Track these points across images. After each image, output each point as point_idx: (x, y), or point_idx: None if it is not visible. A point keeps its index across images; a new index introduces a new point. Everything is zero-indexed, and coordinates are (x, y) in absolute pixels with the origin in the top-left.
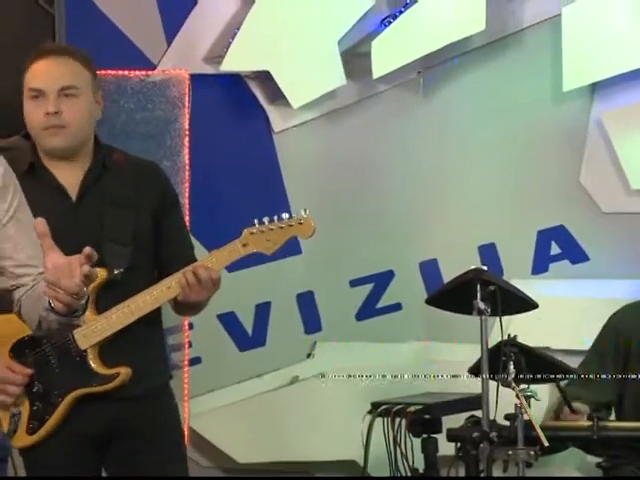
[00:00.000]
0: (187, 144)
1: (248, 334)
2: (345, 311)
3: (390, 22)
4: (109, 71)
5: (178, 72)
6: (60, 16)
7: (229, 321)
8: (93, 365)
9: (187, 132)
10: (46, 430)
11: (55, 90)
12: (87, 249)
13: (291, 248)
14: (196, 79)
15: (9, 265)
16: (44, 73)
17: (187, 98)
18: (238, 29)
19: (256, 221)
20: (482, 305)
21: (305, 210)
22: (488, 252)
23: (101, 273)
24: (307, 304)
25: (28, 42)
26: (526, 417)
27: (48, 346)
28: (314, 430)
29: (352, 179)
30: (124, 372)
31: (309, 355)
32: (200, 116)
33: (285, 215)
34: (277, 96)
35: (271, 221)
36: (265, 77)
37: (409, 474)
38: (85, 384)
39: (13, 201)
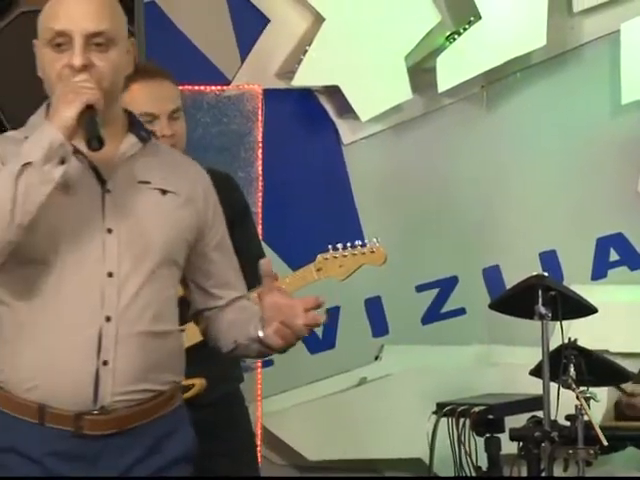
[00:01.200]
0: (260, 156)
1: (318, 337)
2: (411, 315)
3: (455, 38)
4: (186, 86)
5: (252, 87)
6: (140, 34)
7: None
8: None
9: (260, 144)
10: None
11: (166, 112)
12: (320, 298)
13: None
14: (269, 94)
15: (208, 285)
16: (154, 96)
17: (260, 112)
18: (309, 46)
19: (330, 247)
20: (543, 310)
21: (377, 239)
22: (549, 258)
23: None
24: (375, 309)
25: None
26: (586, 418)
27: None
28: (381, 429)
29: (418, 188)
30: (199, 384)
31: (376, 357)
32: (273, 129)
33: (358, 242)
34: (346, 110)
35: (344, 248)
36: (335, 91)
37: (473, 472)
38: None
39: (220, 227)
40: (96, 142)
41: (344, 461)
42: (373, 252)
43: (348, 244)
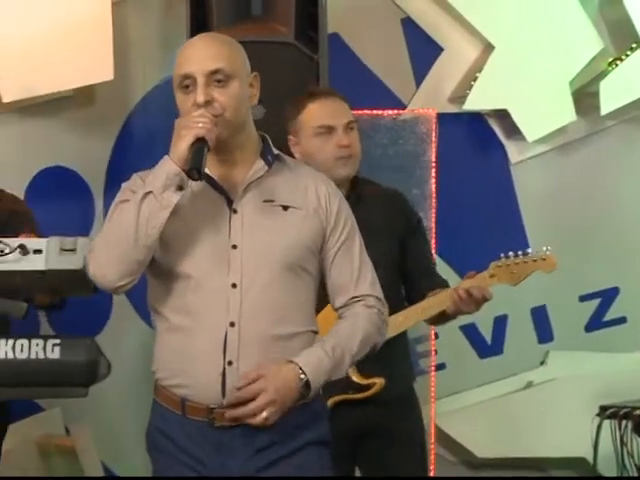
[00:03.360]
0: (434, 175)
1: (487, 343)
2: (575, 323)
3: (617, 64)
4: (365, 111)
5: (426, 111)
6: (323, 62)
7: (470, 331)
8: (351, 374)
9: (434, 164)
10: None
11: (342, 124)
12: None
13: None
14: (442, 117)
15: (329, 286)
16: (330, 111)
17: (434, 134)
18: (480, 72)
19: (502, 255)
20: None
21: (547, 248)
22: None
23: None
24: (540, 317)
25: (296, 86)
26: None
27: None
28: (546, 429)
29: (581, 205)
30: (379, 383)
31: (542, 362)
32: (445, 150)
33: (529, 251)
34: (514, 131)
35: (516, 256)
36: (503, 115)
37: (635, 472)
38: (343, 391)
39: (342, 231)
40: (195, 173)
41: (511, 459)
42: (544, 259)
43: (519, 252)
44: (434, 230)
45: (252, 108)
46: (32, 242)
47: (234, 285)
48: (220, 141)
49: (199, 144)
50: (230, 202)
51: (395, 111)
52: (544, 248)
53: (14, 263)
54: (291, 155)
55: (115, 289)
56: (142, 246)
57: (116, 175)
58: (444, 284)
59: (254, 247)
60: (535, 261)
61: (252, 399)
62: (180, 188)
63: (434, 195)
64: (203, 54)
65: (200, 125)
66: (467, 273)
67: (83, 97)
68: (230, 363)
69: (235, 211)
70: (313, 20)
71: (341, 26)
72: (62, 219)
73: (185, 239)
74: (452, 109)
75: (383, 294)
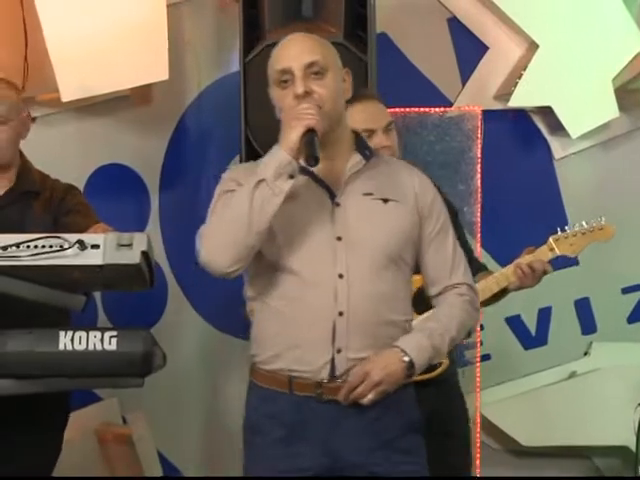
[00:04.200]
0: (479, 170)
1: (532, 334)
2: (617, 315)
3: None
4: (413, 108)
5: (472, 108)
6: (372, 61)
7: (515, 323)
8: None
9: (479, 160)
10: None
11: (382, 127)
12: None
13: (569, 260)
14: (487, 114)
15: (425, 275)
16: (370, 115)
17: (479, 131)
18: (524, 70)
19: (559, 229)
20: None
21: (601, 218)
22: None
23: None
24: (584, 309)
25: None
26: None
27: None
28: (590, 418)
29: (624, 199)
30: (445, 363)
31: (585, 353)
32: (491, 146)
33: (584, 223)
34: (557, 128)
35: (573, 228)
36: (547, 111)
37: None
38: None
39: (437, 220)
40: (312, 160)
41: (554, 447)
42: (601, 229)
43: (576, 224)
44: (479, 225)
45: None
46: (90, 237)
47: (341, 276)
48: (321, 134)
49: (310, 134)
50: (332, 195)
51: (442, 109)
52: (599, 218)
53: (73, 258)
54: None
55: (226, 274)
56: (255, 232)
57: (171, 172)
58: (485, 269)
59: (358, 239)
60: (592, 231)
61: (358, 383)
62: (291, 176)
63: (479, 190)
64: (299, 48)
65: (309, 116)
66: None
67: (139, 97)
68: (339, 351)
69: (338, 204)
70: (362, 20)
71: (389, 26)
72: (119, 215)
73: (290, 231)
74: (497, 106)
75: None
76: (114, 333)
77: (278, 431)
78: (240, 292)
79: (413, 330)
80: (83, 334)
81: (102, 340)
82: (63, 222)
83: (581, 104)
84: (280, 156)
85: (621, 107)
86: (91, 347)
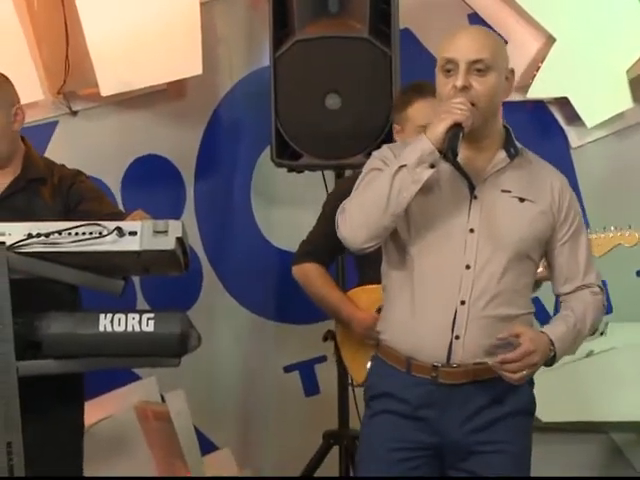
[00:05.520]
0: None
1: (550, 315)
2: (632, 297)
3: None
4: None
5: None
6: (395, 56)
7: (535, 305)
8: None
9: None
10: None
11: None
12: None
13: None
14: (506, 105)
15: (554, 275)
16: (432, 109)
17: None
18: (542, 63)
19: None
20: None
21: (630, 226)
22: None
23: None
24: None
25: (370, 79)
26: None
27: None
28: (608, 395)
29: (637, 185)
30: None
31: (602, 333)
32: None
33: (612, 227)
34: (574, 118)
35: (603, 230)
36: (564, 102)
37: None
38: None
39: (570, 226)
40: (450, 155)
41: (573, 423)
42: (629, 235)
43: (604, 227)
44: None
45: (329, 98)
46: (128, 225)
47: (468, 266)
48: (471, 128)
49: (456, 129)
50: (472, 187)
51: None
52: (628, 225)
53: (111, 244)
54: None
55: (361, 249)
56: (391, 214)
57: (205, 162)
58: None
59: (490, 233)
60: (619, 236)
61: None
62: (432, 166)
63: None
64: (469, 43)
65: (459, 112)
66: None
67: (175, 90)
68: (457, 337)
69: (476, 197)
70: (386, 16)
71: (412, 22)
72: (155, 203)
73: (427, 217)
74: (516, 97)
75: None
76: (152, 315)
77: (396, 407)
78: (269, 276)
79: (558, 320)
80: (122, 316)
81: (140, 322)
82: (80, 210)
83: (596, 95)
84: (424, 145)
85: (635, 98)
86: (130, 329)
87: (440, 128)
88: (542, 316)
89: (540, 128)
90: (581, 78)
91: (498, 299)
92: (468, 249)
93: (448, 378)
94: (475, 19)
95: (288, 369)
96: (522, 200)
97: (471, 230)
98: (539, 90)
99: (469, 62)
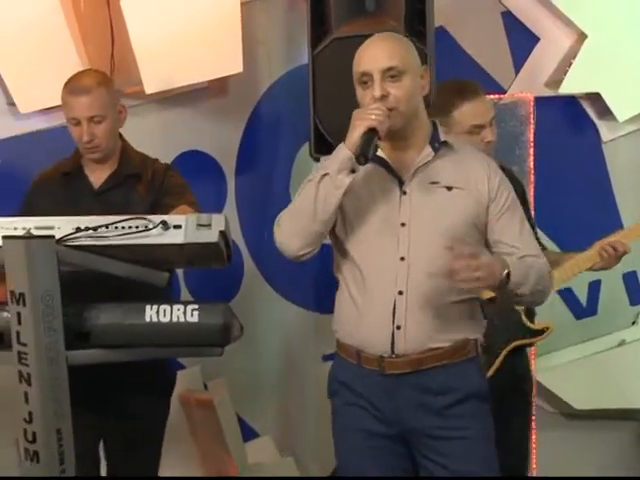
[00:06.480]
0: (532, 153)
1: (582, 305)
2: None
3: None
4: None
5: (524, 95)
6: (431, 53)
7: (567, 295)
8: (526, 320)
9: (532, 144)
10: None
11: (489, 122)
12: None
13: None
14: (539, 101)
15: (496, 250)
16: (480, 111)
17: (532, 116)
18: (574, 59)
19: None
20: None
21: None
22: None
23: None
24: (631, 281)
25: None
26: None
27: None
28: (638, 383)
29: None
30: (550, 327)
31: (633, 322)
32: (542, 130)
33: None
34: (605, 112)
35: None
36: (595, 97)
37: None
38: (522, 336)
39: (504, 201)
40: (362, 158)
41: (605, 410)
42: None
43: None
44: (533, 204)
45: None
46: (173, 218)
47: (402, 258)
48: (394, 129)
49: (370, 134)
50: (401, 184)
51: (497, 96)
52: None
53: (157, 237)
54: None
55: (297, 257)
56: (320, 220)
57: (246, 158)
58: (544, 248)
59: (421, 225)
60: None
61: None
62: (352, 171)
63: (532, 172)
64: (378, 53)
65: (373, 117)
66: (565, 245)
67: (216, 88)
68: (399, 327)
69: (405, 192)
70: (421, 15)
71: (447, 20)
72: (198, 197)
73: (360, 216)
74: (548, 93)
75: None
76: (196, 306)
77: (351, 396)
78: (308, 267)
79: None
80: (167, 307)
81: (185, 313)
82: (162, 204)
83: (627, 90)
84: (342, 152)
85: None
86: (175, 319)
87: (355, 134)
88: (575, 307)
89: (572, 123)
90: (612, 74)
91: (436, 286)
92: (401, 242)
93: (393, 368)
94: (508, 17)
95: (327, 358)
96: (450, 189)
97: (402, 224)
98: (571, 86)
99: (382, 71)
